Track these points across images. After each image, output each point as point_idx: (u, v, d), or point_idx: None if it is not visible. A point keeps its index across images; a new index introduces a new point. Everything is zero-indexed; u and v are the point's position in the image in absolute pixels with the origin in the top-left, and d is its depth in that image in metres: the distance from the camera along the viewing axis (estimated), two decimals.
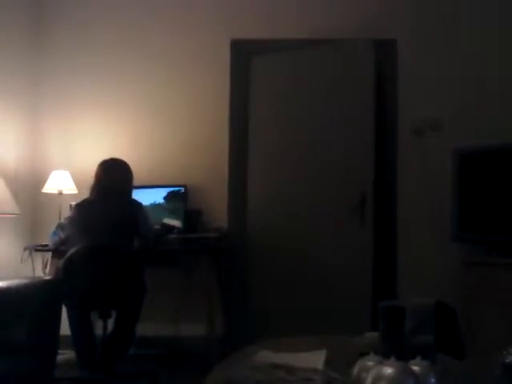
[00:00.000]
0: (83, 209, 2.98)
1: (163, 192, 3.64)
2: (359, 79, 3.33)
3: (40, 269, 3.40)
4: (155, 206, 3.56)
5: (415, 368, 1.24)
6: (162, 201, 3.61)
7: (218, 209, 3.73)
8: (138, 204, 3.02)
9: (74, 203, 3.46)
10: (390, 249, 3.51)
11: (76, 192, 3.61)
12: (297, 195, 3.52)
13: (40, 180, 3.70)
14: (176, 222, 3.49)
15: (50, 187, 3.60)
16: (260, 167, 3.68)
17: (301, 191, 3.50)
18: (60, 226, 3.13)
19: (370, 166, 3.28)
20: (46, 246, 3.33)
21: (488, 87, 3.59)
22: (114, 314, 2.95)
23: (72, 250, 2.74)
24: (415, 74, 3.65)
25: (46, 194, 3.66)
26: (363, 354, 1.35)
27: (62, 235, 3.07)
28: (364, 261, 3.24)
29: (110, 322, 2.91)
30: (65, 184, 3.61)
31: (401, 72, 3.66)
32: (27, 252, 3.28)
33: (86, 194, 3.10)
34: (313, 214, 3.43)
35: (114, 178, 3.03)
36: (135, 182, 3.13)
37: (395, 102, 3.62)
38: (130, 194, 3.09)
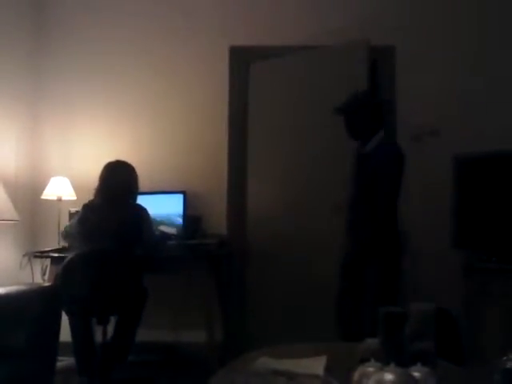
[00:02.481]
0: (89, 212, 2.97)
1: (163, 198, 3.63)
2: (355, 83, 3.31)
3: (39, 275, 3.40)
4: (154, 212, 3.54)
5: (416, 374, 1.24)
6: (160, 207, 3.60)
7: (217, 215, 3.73)
8: (142, 210, 3.02)
9: (72, 209, 3.48)
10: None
11: (75, 198, 3.61)
12: (296, 201, 3.51)
13: (39, 186, 3.70)
14: (172, 230, 3.49)
15: (50, 193, 3.59)
16: (259, 173, 3.68)
17: (300, 197, 3.50)
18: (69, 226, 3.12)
19: None
20: (45, 252, 3.33)
21: (487, 93, 3.60)
22: (113, 319, 2.95)
23: (69, 256, 2.74)
24: (414, 80, 3.66)
25: (46, 200, 3.66)
26: (364, 360, 1.35)
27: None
28: None
29: (110, 329, 2.91)
30: (64, 190, 3.61)
31: (399, 78, 3.67)
32: (26, 258, 3.27)
33: (85, 200, 3.09)
34: (313, 220, 3.42)
35: (118, 180, 3.03)
36: None
37: (394, 107, 3.63)
38: (134, 197, 3.08)
